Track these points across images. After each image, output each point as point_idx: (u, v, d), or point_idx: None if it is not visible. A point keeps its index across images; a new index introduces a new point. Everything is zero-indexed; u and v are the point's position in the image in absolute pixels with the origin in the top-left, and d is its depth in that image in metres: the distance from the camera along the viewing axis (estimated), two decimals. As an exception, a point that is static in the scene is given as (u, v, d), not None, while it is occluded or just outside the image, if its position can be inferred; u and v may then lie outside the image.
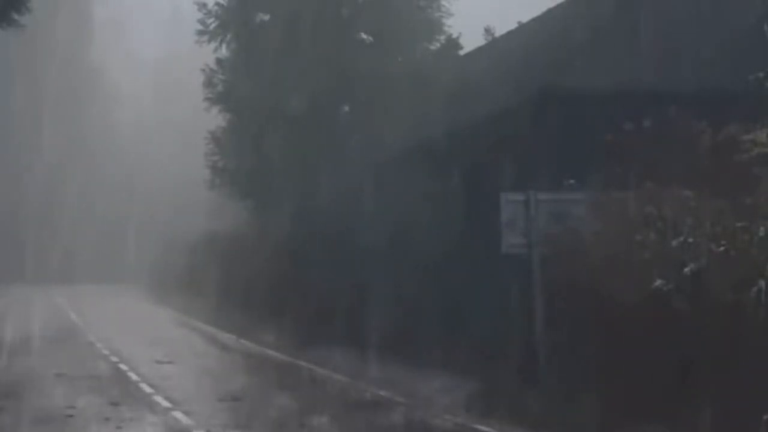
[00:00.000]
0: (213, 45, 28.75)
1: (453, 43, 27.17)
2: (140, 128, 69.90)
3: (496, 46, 23.67)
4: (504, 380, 15.17)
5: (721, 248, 11.67)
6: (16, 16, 18.68)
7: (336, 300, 23.21)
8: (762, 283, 10.98)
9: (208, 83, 28.99)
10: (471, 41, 26.44)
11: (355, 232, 23.35)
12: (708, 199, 12.50)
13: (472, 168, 18.97)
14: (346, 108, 27.95)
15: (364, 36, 27.78)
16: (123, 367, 21.31)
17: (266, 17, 28.58)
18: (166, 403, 16.10)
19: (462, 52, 26.74)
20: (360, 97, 26.62)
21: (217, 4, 28.70)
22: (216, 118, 30.00)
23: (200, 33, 28.60)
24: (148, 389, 17.80)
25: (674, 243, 12.21)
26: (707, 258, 11.74)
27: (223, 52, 28.85)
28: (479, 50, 24.99)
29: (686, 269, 11.82)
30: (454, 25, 27.63)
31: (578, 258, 13.47)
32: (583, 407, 12.80)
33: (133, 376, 19.69)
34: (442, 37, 27.49)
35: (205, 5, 28.65)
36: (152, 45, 72.46)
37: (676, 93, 15.53)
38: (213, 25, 28.57)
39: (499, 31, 24.34)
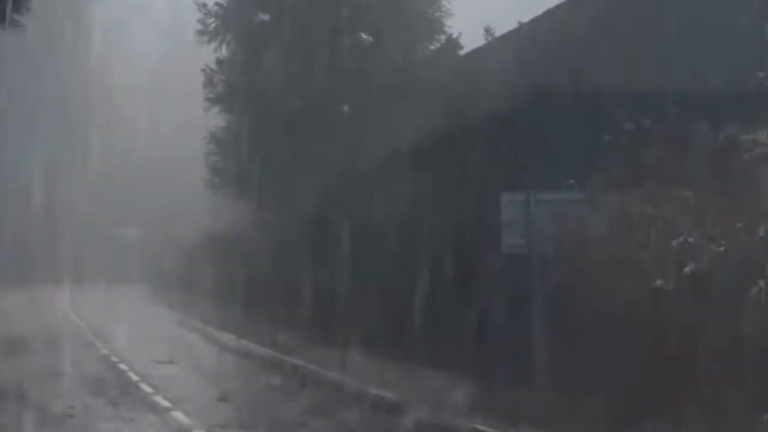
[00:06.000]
0: (213, 45, 28.77)
1: (453, 43, 27.14)
2: (140, 128, 69.84)
3: (496, 46, 23.65)
4: (503, 380, 15.16)
5: (721, 248, 11.66)
6: (16, 16, 18.64)
7: (337, 300, 23.21)
8: (762, 283, 10.97)
9: (208, 83, 28.97)
10: (471, 41, 26.42)
11: (355, 232, 23.35)
12: (708, 199, 12.49)
13: (471, 168, 18.96)
14: (346, 108, 27.93)
15: (364, 36, 27.76)
16: (123, 366, 21.34)
17: (266, 17, 28.57)
18: (166, 403, 16.13)
19: (462, 52, 26.73)
20: (360, 97, 26.59)
21: (217, 4, 28.69)
22: (216, 118, 30.00)
23: (200, 33, 28.59)
24: (148, 389, 17.83)
25: (674, 243, 12.20)
26: (707, 258, 11.73)
27: (223, 52, 28.87)
28: (479, 50, 24.98)
29: (686, 269, 11.81)
30: (454, 25, 27.66)
31: (578, 258, 13.46)
32: (583, 407, 12.80)
33: (133, 376, 19.71)
34: (442, 37, 27.47)
35: (205, 5, 28.66)
36: (152, 45, 72.44)
37: (676, 93, 15.52)
38: (213, 25, 28.56)
39: (499, 31, 24.32)
